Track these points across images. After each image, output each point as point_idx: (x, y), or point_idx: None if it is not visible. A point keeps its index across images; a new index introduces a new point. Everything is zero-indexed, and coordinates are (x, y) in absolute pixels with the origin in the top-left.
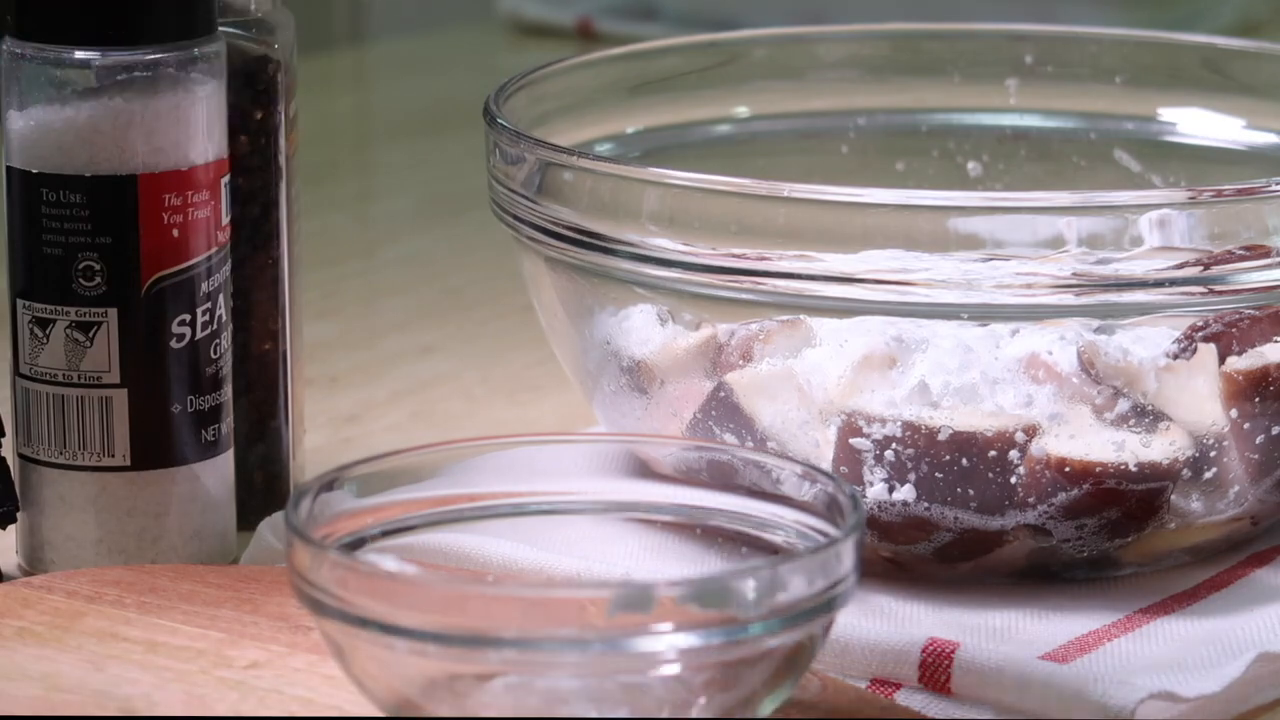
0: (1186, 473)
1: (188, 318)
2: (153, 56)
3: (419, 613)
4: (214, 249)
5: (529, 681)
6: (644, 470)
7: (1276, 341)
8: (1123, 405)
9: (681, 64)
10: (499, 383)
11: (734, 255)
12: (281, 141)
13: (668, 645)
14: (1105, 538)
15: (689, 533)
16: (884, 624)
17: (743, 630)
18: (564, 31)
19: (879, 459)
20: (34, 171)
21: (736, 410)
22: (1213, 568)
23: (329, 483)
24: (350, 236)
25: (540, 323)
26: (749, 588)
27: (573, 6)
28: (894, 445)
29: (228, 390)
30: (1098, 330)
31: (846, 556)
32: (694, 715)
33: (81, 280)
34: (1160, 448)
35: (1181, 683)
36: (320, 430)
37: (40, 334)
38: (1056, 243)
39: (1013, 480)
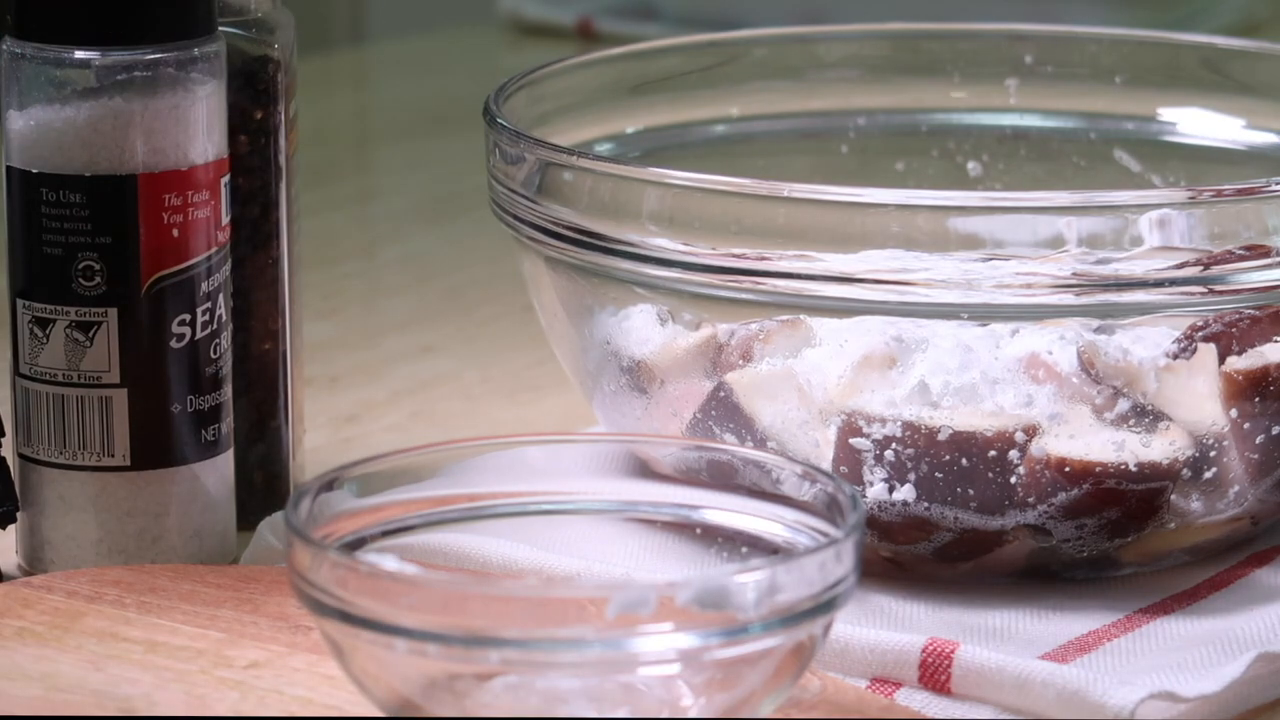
0: (1186, 473)
1: (188, 317)
2: (153, 56)
3: (419, 613)
4: (214, 249)
5: (529, 681)
6: (644, 470)
7: (1276, 341)
8: (1123, 405)
9: (681, 64)
10: (499, 383)
11: (734, 255)
12: (281, 141)
13: (668, 645)
14: (1105, 538)
15: (689, 533)
16: (884, 624)
17: (742, 630)
18: (564, 31)
19: (879, 459)
20: (34, 171)
21: (736, 410)
22: (1213, 568)
23: (329, 483)
24: (350, 236)
25: (540, 323)
26: (749, 588)
27: (573, 6)
28: (894, 445)
29: (228, 390)
30: (1098, 330)
31: (846, 556)
32: (694, 715)
33: (81, 280)
34: (1160, 448)
35: (1181, 683)
36: (320, 430)
37: (40, 334)
38: (1056, 243)
39: (1013, 480)
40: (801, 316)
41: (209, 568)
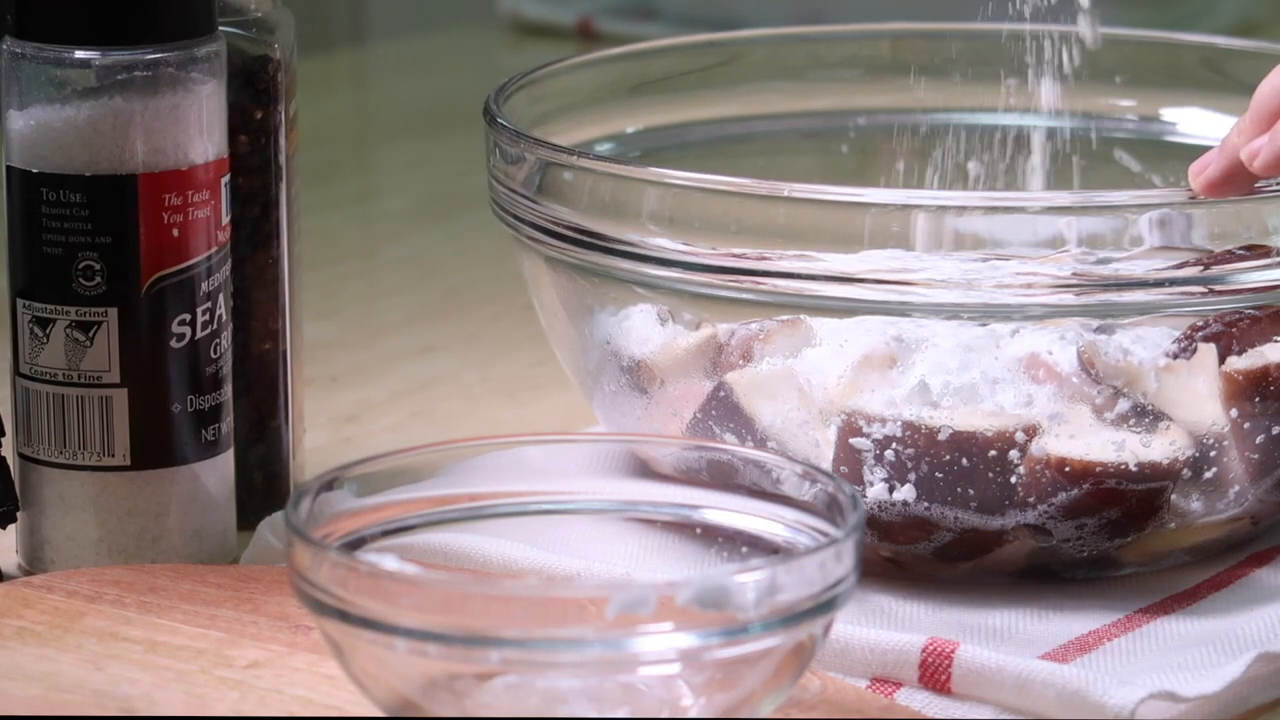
0: (1186, 473)
1: (188, 317)
2: (153, 56)
3: (419, 613)
4: (214, 249)
5: (529, 681)
6: (644, 470)
7: (1276, 341)
8: (1123, 405)
9: (681, 64)
10: (499, 382)
11: (734, 255)
12: (281, 141)
13: (668, 645)
14: (1105, 538)
15: (689, 533)
16: (884, 624)
17: (742, 630)
18: (564, 31)
19: (879, 459)
20: (34, 171)
21: (736, 410)
22: (1213, 568)
23: (329, 483)
24: (350, 236)
25: (540, 323)
26: (749, 588)
27: (573, 6)
28: (894, 445)
29: (228, 390)
30: (1098, 330)
31: (846, 556)
32: (694, 715)
33: (81, 280)
34: (1160, 448)
35: (1181, 683)
36: (320, 430)
37: (40, 334)
38: (1056, 243)
39: (1013, 480)
40: (801, 316)
41: (209, 567)
